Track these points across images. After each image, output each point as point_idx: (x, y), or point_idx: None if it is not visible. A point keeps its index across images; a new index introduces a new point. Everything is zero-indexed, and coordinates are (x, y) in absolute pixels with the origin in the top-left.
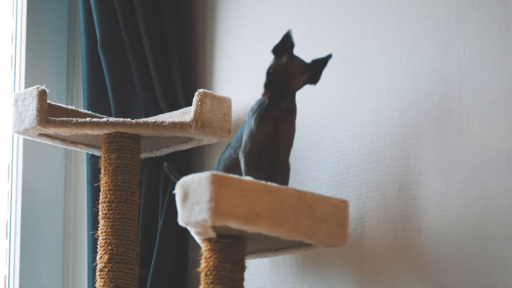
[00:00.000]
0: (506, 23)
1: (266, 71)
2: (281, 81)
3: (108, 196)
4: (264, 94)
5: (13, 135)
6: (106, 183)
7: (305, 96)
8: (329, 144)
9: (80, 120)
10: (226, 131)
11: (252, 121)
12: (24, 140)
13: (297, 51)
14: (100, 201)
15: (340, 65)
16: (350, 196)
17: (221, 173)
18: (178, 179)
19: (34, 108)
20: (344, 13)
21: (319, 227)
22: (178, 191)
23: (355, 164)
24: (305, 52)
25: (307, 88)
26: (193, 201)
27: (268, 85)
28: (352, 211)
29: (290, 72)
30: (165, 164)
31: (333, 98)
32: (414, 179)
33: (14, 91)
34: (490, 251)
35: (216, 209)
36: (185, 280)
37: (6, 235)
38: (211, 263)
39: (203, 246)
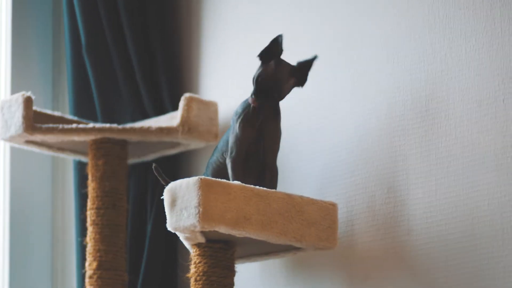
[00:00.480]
0: (492, 23)
1: (254, 78)
2: (271, 89)
3: (96, 202)
4: (253, 102)
5: None
6: (93, 189)
7: (292, 99)
8: (317, 147)
9: (66, 126)
10: (213, 135)
11: (237, 126)
12: (11, 147)
13: (284, 53)
14: (88, 207)
15: (327, 67)
16: (339, 199)
17: (209, 178)
18: (166, 181)
19: (20, 115)
20: (331, 15)
21: (308, 231)
22: (166, 196)
23: (343, 167)
24: (291, 53)
25: (294, 91)
26: (182, 206)
27: (258, 94)
28: (341, 214)
29: (279, 79)
30: (154, 165)
31: (320, 101)
32: (403, 181)
33: (0, 98)
34: (480, 252)
35: (205, 214)
36: (175, 286)
37: None
38: (200, 268)
39: (192, 251)
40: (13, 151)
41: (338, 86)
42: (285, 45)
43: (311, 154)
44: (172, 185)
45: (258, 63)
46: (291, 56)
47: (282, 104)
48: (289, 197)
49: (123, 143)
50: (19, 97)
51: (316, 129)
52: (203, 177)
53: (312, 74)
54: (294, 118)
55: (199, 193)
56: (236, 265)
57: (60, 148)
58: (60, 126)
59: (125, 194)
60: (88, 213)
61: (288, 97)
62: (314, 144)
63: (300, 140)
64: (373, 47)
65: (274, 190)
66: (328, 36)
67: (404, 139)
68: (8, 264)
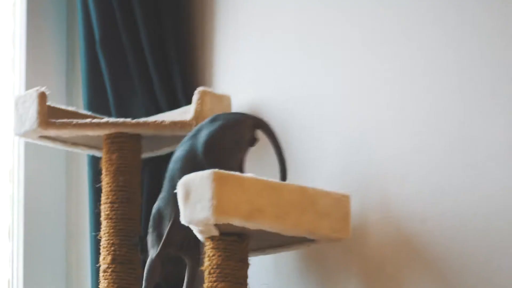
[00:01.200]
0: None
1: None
2: None
3: (110, 196)
4: None
5: (14, 138)
6: (107, 183)
7: (303, 89)
8: (329, 138)
9: (80, 121)
10: None
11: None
12: (25, 143)
13: (299, 48)
14: (102, 202)
15: (343, 59)
16: (352, 190)
17: (222, 171)
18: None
19: (34, 110)
20: (349, 5)
21: (321, 222)
22: (180, 190)
23: (357, 158)
24: (306, 49)
25: (306, 81)
26: (195, 199)
27: None
28: (354, 205)
29: None
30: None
31: (332, 91)
32: (417, 171)
33: (14, 94)
34: (494, 240)
35: (218, 207)
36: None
37: (9, 238)
38: (214, 261)
39: (206, 244)
40: (27, 146)
41: (351, 75)
42: (300, 39)
43: (323, 145)
44: (186, 178)
45: (272, 56)
46: (305, 52)
47: (293, 94)
48: (302, 189)
49: (137, 137)
50: (33, 92)
51: (328, 119)
52: (216, 170)
53: (327, 64)
54: (306, 108)
55: (213, 186)
56: (249, 258)
57: (74, 143)
58: (74, 121)
59: (139, 188)
60: (102, 207)
61: (300, 86)
62: (327, 135)
63: (312, 132)
64: (400, 33)
65: (286, 182)
66: (344, 28)
67: (418, 129)
68: (22, 258)
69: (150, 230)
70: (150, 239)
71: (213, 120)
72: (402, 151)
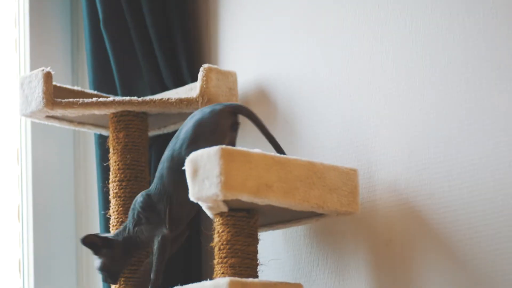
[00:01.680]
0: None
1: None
2: None
3: (118, 175)
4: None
5: (20, 118)
6: (115, 162)
7: (308, 65)
8: (336, 112)
9: (86, 100)
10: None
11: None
12: (32, 123)
13: (303, 25)
14: (110, 180)
15: (345, 32)
16: (360, 164)
17: (230, 147)
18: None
19: (40, 90)
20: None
21: (330, 197)
22: (188, 167)
23: (364, 132)
24: (310, 26)
25: (311, 57)
26: (203, 176)
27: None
28: (362, 179)
29: None
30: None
31: (339, 66)
32: (424, 145)
33: (20, 74)
34: (502, 213)
35: (227, 183)
36: (199, 255)
37: (18, 218)
38: (224, 237)
39: (215, 221)
40: (34, 126)
41: (357, 52)
42: (305, 14)
43: (331, 120)
44: (193, 155)
45: (276, 32)
46: (307, 33)
47: (298, 70)
48: (310, 163)
49: (143, 116)
50: (38, 72)
51: (335, 94)
52: (224, 146)
53: (331, 40)
54: (311, 84)
55: (221, 162)
56: (259, 233)
57: (80, 122)
58: (81, 100)
59: (147, 166)
60: (111, 186)
61: (308, 61)
62: (334, 110)
63: (319, 106)
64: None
65: (294, 157)
66: (347, 6)
67: (424, 104)
68: (32, 239)
69: (143, 220)
70: (145, 228)
71: (192, 117)
72: (409, 125)
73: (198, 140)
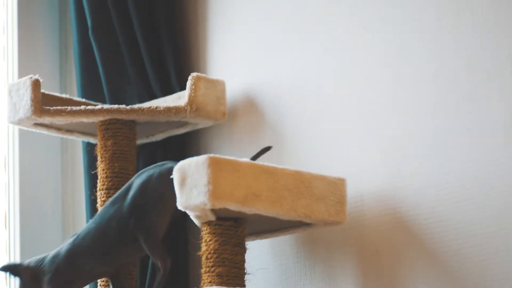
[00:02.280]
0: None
1: None
2: None
3: (106, 183)
4: None
5: (8, 125)
6: (103, 170)
7: (298, 72)
8: (324, 122)
9: (74, 108)
10: (221, 114)
11: None
12: (20, 130)
13: (293, 31)
14: (98, 188)
15: (336, 38)
16: (348, 173)
17: (218, 156)
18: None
19: (28, 98)
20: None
21: (317, 206)
22: (176, 175)
23: (352, 141)
24: (300, 32)
25: (301, 65)
26: (191, 185)
27: None
28: (350, 189)
29: None
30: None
31: (328, 74)
32: (412, 155)
33: (8, 81)
34: (491, 223)
35: (214, 191)
36: (186, 264)
37: (5, 226)
38: (211, 246)
39: (203, 230)
40: (21, 134)
41: (345, 58)
42: (294, 21)
43: (319, 130)
44: (181, 164)
45: (265, 41)
46: (299, 37)
47: (288, 78)
48: (298, 173)
49: (132, 124)
50: (27, 80)
51: (324, 104)
52: (212, 155)
53: (321, 48)
54: (300, 92)
55: (209, 171)
56: (246, 242)
57: (68, 130)
58: (69, 108)
59: (135, 174)
60: (98, 193)
61: (294, 70)
62: (322, 118)
63: (307, 116)
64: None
65: (282, 167)
66: (338, 10)
67: (416, 112)
68: (19, 246)
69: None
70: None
71: (140, 174)
72: (398, 134)
73: (145, 209)
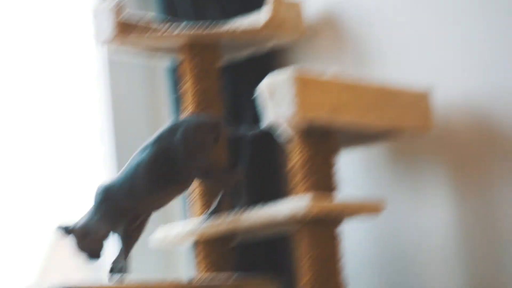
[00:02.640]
0: None
1: None
2: None
3: (190, 104)
4: None
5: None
6: (188, 90)
7: None
8: (408, 30)
9: (157, 30)
10: (301, 30)
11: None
12: (109, 53)
13: None
14: (182, 109)
15: None
16: (433, 83)
17: (305, 69)
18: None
19: (112, 19)
20: None
21: (403, 116)
22: (264, 90)
23: (438, 48)
24: None
25: None
26: (280, 97)
27: None
28: (437, 98)
29: None
30: None
31: None
32: (497, 65)
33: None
34: None
35: (303, 103)
36: (278, 181)
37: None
38: (302, 158)
39: (292, 142)
40: (111, 56)
41: None
42: None
43: (403, 38)
44: (269, 78)
45: None
46: None
47: None
48: (382, 86)
49: (215, 44)
50: (110, 3)
51: (408, 13)
52: (299, 67)
53: None
54: (382, 4)
55: (296, 85)
56: (335, 155)
57: (152, 51)
58: (151, 29)
59: (219, 95)
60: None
61: None
62: (406, 28)
63: (391, 26)
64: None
65: (366, 81)
66: None
67: (503, 15)
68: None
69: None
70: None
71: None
72: (485, 41)
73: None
